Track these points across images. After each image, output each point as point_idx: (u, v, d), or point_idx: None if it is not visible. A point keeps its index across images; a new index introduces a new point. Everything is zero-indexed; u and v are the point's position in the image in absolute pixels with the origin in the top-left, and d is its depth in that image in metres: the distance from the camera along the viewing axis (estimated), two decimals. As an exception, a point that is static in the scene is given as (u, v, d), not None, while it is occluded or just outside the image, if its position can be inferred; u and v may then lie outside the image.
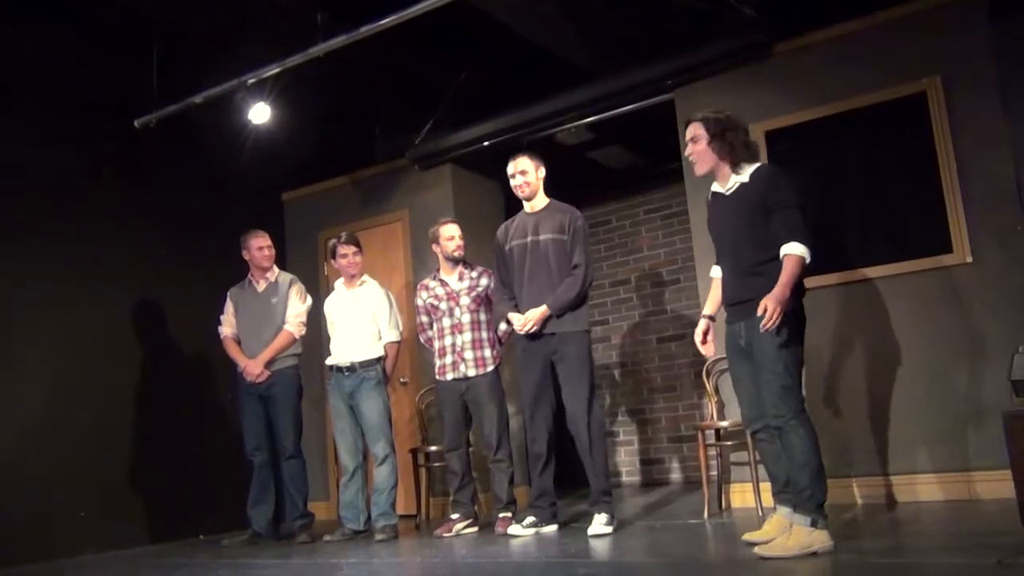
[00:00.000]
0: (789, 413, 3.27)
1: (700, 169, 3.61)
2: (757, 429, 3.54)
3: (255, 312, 5.38)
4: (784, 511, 3.45)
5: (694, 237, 5.40)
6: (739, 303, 3.47)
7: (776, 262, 3.33)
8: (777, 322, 3.17)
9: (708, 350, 3.73)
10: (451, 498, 5.09)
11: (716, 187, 3.63)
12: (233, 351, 5.37)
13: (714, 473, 5.16)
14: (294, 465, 5.28)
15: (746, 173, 3.50)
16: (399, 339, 5.29)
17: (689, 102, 5.37)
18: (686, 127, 3.65)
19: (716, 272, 3.75)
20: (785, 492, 3.47)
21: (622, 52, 5.71)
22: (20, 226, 5.19)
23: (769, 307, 3.18)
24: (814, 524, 3.18)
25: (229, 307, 5.47)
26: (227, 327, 5.43)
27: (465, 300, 5.02)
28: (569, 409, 4.42)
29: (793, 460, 3.28)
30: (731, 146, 3.51)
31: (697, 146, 3.57)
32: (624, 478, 7.28)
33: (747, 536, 3.49)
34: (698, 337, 3.74)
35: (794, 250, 3.29)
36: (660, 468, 7.21)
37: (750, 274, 3.42)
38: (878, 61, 4.77)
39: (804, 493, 3.22)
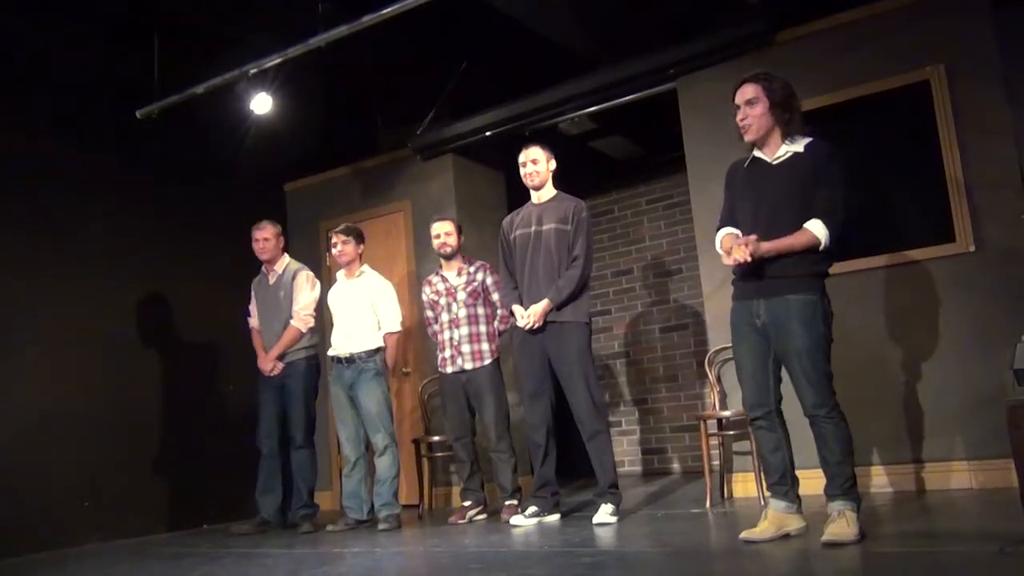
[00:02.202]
0: (831, 403, 3.18)
1: (751, 135, 3.31)
2: (758, 416, 3.35)
3: (268, 304, 5.45)
4: (781, 504, 3.31)
5: (696, 227, 5.39)
6: (766, 277, 3.23)
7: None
8: (743, 259, 3.08)
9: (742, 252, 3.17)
10: (462, 486, 5.19)
11: (759, 153, 3.36)
12: (255, 343, 5.47)
13: (716, 463, 5.17)
14: (302, 455, 5.32)
15: (800, 144, 3.28)
16: (399, 330, 5.31)
17: (692, 91, 5.37)
18: (739, 86, 3.34)
19: (727, 230, 3.43)
20: (781, 485, 3.32)
21: (624, 41, 5.69)
22: (21, 217, 5.19)
23: (747, 247, 3.08)
24: (857, 509, 3.14)
25: (253, 299, 5.56)
26: (254, 319, 5.54)
27: (461, 295, 5.10)
28: (571, 402, 4.44)
29: (831, 450, 3.16)
30: (792, 114, 3.28)
31: (754, 109, 3.28)
32: (626, 468, 7.29)
33: (745, 535, 3.28)
34: (741, 243, 3.16)
35: (814, 228, 3.12)
36: (662, 458, 7.22)
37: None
38: (881, 49, 4.76)
39: (847, 483, 3.15)
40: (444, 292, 5.18)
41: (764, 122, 3.29)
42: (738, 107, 3.35)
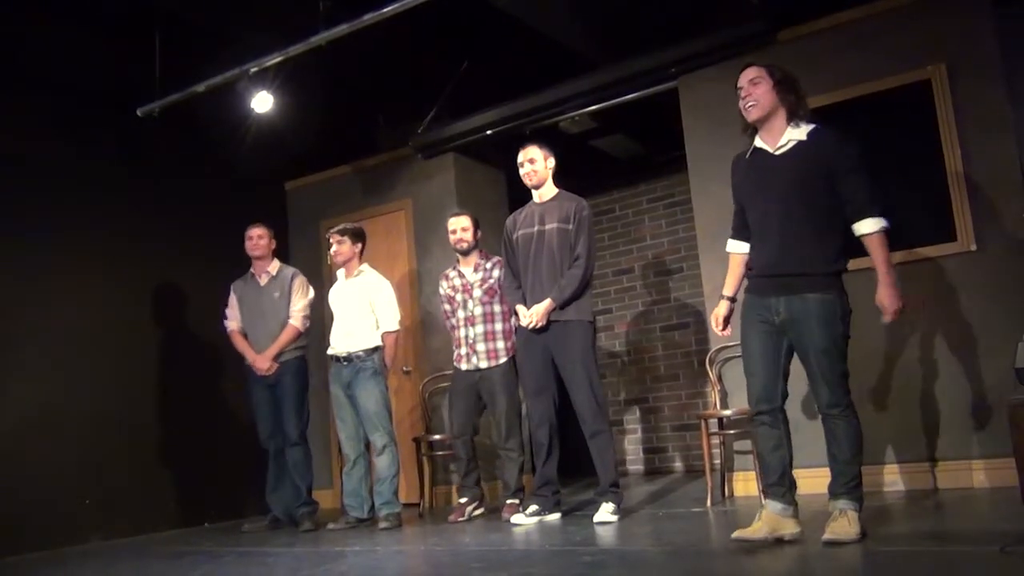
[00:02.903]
0: (846, 400, 3.14)
1: (756, 113, 3.24)
2: (763, 411, 3.25)
3: (259, 306, 5.42)
4: (777, 506, 3.22)
5: (697, 226, 5.39)
6: (782, 275, 3.18)
7: (833, 232, 3.17)
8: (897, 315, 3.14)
9: (727, 334, 3.52)
10: (459, 483, 5.19)
11: (761, 143, 3.30)
12: (240, 345, 5.43)
13: (717, 462, 5.17)
14: (297, 452, 5.33)
15: (803, 131, 3.22)
16: (397, 328, 5.30)
17: (693, 90, 5.37)
18: (742, 71, 3.32)
19: (736, 247, 3.48)
20: (779, 485, 3.24)
21: (625, 40, 5.69)
22: (21, 216, 5.19)
23: (889, 306, 3.13)
24: (860, 509, 3.12)
25: (233, 300, 5.52)
26: (233, 321, 5.49)
27: (478, 292, 5.07)
28: (574, 400, 4.44)
29: (841, 448, 3.13)
30: (796, 96, 3.24)
31: (759, 88, 3.23)
32: (627, 466, 7.29)
33: (737, 533, 3.21)
34: (718, 322, 3.49)
35: (879, 225, 3.14)
36: (663, 456, 7.22)
37: (803, 245, 3.15)
38: (882, 48, 4.75)
39: (853, 482, 3.12)
40: (460, 288, 5.15)
41: (768, 100, 3.23)
42: (741, 89, 3.30)
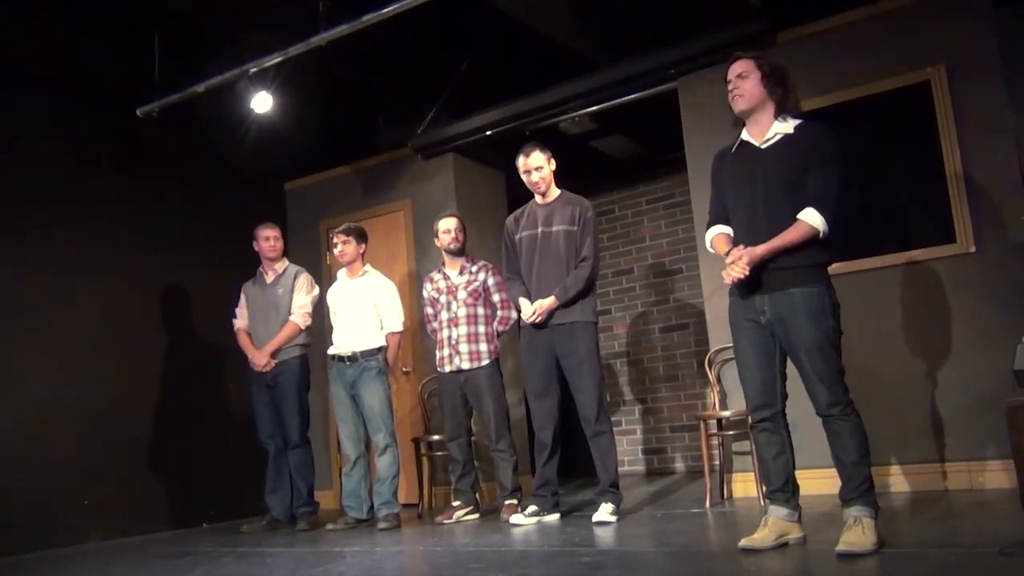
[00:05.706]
0: (845, 399, 3.02)
1: (742, 104, 3.19)
2: (764, 417, 3.18)
3: (264, 303, 5.44)
4: (782, 512, 3.17)
5: (697, 227, 5.39)
6: (762, 271, 3.09)
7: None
8: (741, 275, 3.01)
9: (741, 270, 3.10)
10: (453, 486, 5.15)
11: (747, 136, 3.26)
12: (243, 342, 5.45)
13: (716, 463, 5.17)
14: (299, 454, 5.34)
15: (789, 125, 3.17)
16: (401, 329, 5.31)
17: (692, 90, 5.37)
18: (730, 64, 3.26)
19: (721, 229, 3.33)
20: (784, 492, 3.18)
21: (625, 41, 5.69)
22: (21, 216, 5.19)
23: (743, 258, 3.00)
24: (876, 516, 2.98)
25: (242, 300, 5.57)
26: (240, 320, 5.53)
27: (462, 294, 5.07)
28: (577, 401, 4.44)
29: (847, 450, 3.01)
30: (785, 89, 3.19)
31: (746, 81, 3.18)
32: (626, 467, 7.29)
33: (744, 542, 3.13)
34: (739, 262, 3.09)
35: (809, 218, 3.01)
36: (662, 457, 7.22)
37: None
38: (882, 50, 4.75)
39: (864, 485, 3.00)
40: (445, 290, 5.17)
41: (756, 93, 3.19)
42: (729, 82, 3.26)
